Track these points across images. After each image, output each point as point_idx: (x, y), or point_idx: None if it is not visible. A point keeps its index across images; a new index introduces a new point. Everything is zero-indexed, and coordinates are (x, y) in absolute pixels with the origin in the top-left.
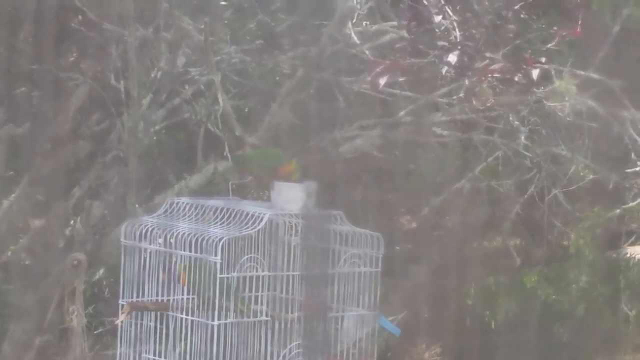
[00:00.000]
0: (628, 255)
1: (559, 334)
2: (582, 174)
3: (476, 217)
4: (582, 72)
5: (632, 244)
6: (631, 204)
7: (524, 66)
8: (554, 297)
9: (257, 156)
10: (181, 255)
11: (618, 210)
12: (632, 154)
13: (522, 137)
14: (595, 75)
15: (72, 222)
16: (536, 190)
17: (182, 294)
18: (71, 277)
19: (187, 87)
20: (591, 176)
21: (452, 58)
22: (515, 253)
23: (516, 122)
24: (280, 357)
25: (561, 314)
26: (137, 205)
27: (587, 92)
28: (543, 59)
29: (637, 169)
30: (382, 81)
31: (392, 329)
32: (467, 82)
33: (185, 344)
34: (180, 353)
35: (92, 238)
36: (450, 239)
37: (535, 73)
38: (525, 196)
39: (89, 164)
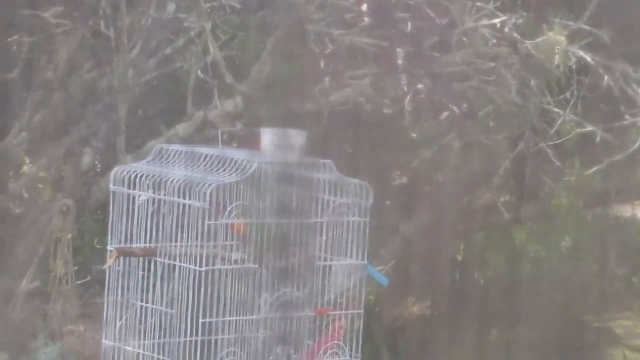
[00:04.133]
0: (616, 214)
1: (547, 291)
2: (569, 127)
3: (466, 172)
4: (572, 23)
5: (621, 202)
6: (617, 158)
7: None
8: (542, 254)
9: None
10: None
11: (603, 164)
12: (622, 107)
13: (513, 91)
14: (585, 26)
15: (62, 170)
16: (526, 146)
17: (170, 241)
18: (59, 224)
19: (179, 37)
20: (579, 130)
21: None
22: (505, 209)
23: (508, 76)
24: (267, 306)
25: (549, 270)
26: (126, 153)
27: (577, 43)
28: None
29: (625, 122)
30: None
31: (380, 278)
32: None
33: (173, 290)
34: (169, 299)
35: (81, 185)
36: (440, 194)
37: None
38: (515, 152)
39: (80, 111)
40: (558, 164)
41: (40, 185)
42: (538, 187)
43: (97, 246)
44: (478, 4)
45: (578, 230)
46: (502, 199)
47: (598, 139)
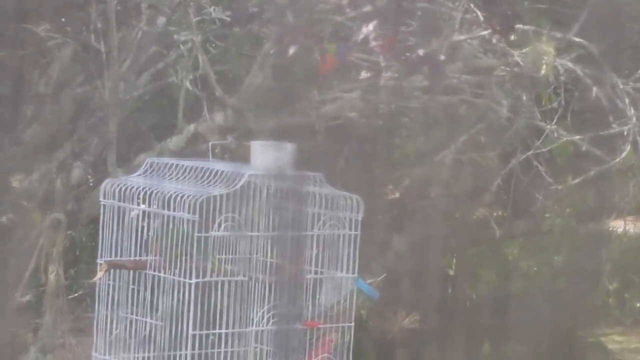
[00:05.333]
0: (609, 229)
1: (539, 306)
2: (557, 137)
3: (459, 188)
4: (561, 35)
5: (614, 217)
6: (606, 166)
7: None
8: (534, 269)
9: None
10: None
11: (592, 173)
12: (610, 117)
13: (505, 110)
14: (575, 38)
15: (54, 184)
16: (518, 162)
17: (160, 254)
18: (51, 238)
19: (170, 52)
20: (564, 139)
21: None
22: (497, 225)
23: (499, 90)
24: (257, 319)
25: (541, 286)
26: (117, 166)
27: (567, 55)
28: None
29: (612, 131)
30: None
31: (371, 292)
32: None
33: (163, 303)
34: (159, 312)
35: (72, 198)
36: (432, 208)
37: None
38: (507, 168)
39: (71, 125)
40: (550, 180)
41: (27, 203)
42: (530, 202)
43: (88, 260)
44: (467, 15)
45: (570, 245)
46: (494, 214)
47: (584, 147)
